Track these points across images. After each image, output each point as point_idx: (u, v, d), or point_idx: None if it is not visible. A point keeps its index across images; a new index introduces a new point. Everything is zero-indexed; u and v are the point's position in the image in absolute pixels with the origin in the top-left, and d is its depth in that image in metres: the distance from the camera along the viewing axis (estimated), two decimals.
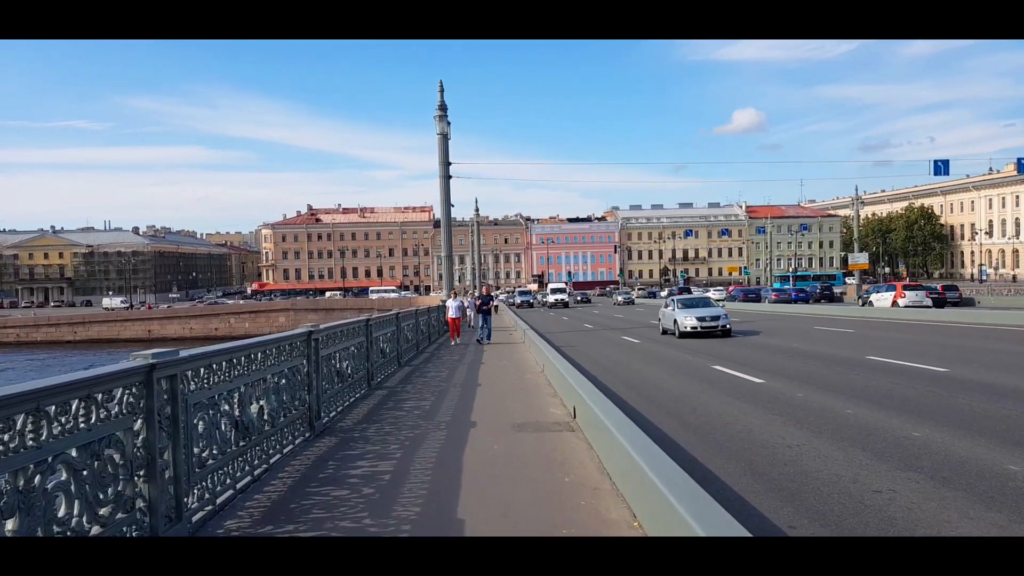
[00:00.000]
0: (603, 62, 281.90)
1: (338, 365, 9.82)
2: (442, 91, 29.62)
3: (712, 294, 70.84)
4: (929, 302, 36.84)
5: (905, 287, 39.64)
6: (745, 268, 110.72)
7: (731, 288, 76.97)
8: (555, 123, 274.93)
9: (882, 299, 38.94)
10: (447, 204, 30.43)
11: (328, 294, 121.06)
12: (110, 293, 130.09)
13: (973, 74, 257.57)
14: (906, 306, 35.97)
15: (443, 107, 29.52)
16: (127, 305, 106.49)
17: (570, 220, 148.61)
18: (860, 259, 67.96)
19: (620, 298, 72.30)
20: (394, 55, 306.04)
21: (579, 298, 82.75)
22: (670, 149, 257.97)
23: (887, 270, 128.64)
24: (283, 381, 7.27)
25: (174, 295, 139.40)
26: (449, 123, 30.02)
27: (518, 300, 73.62)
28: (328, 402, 9.15)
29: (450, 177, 30.36)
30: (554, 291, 72.64)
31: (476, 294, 28.11)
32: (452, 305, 22.81)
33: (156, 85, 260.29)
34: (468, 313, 27.10)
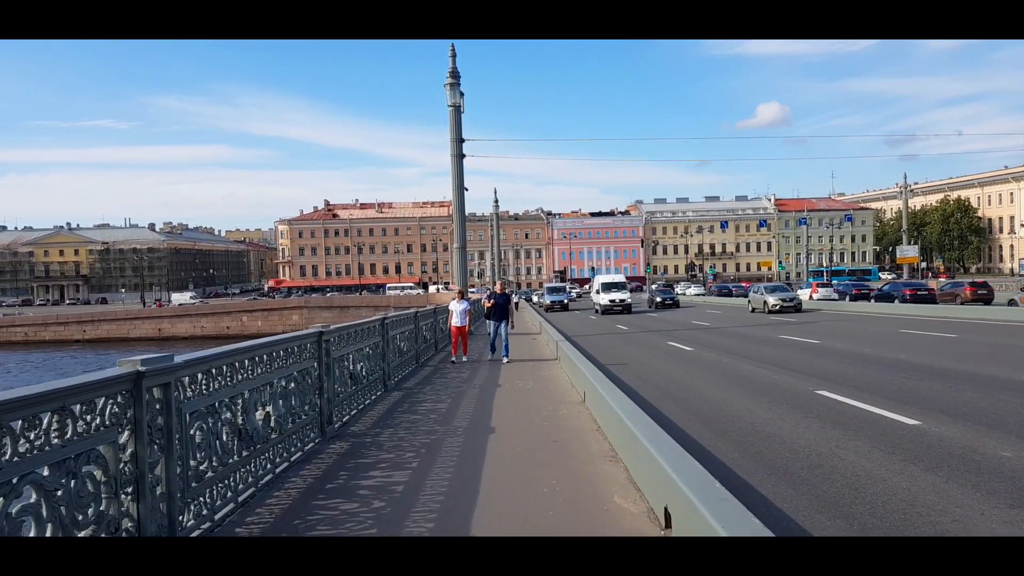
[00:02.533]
0: (625, 58, 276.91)
1: (257, 415, 5.65)
2: (454, 56, 25.40)
3: (693, 289, 78.19)
4: (835, 296, 48.70)
5: (820, 285, 53.13)
6: (781, 263, 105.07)
7: (710, 284, 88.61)
8: (575, 119, 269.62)
9: (803, 294, 51.28)
10: (460, 187, 26.19)
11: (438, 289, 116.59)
12: (189, 287, 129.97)
13: (1000, 66, 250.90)
14: (819, 299, 47.13)
15: (455, 74, 25.29)
16: (198, 300, 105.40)
17: (592, 214, 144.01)
18: (910, 252, 62.84)
19: (772, 299, 37.34)
20: (415, 52, 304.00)
21: (661, 298, 49.70)
22: (693, 144, 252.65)
23: (923, 264, 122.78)
24: None
25: (189, 292, 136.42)
26: (462, 94, 25.78)
27: (547, 300, 53.48)
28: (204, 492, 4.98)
29: (463, 156, 26.11)
30: (607, 287, 45.04)
31: (487, 293, 21.50)
32: (457, 309, 16.43)
33: (181, 84, 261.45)
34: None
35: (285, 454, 6.65)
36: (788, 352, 17.64)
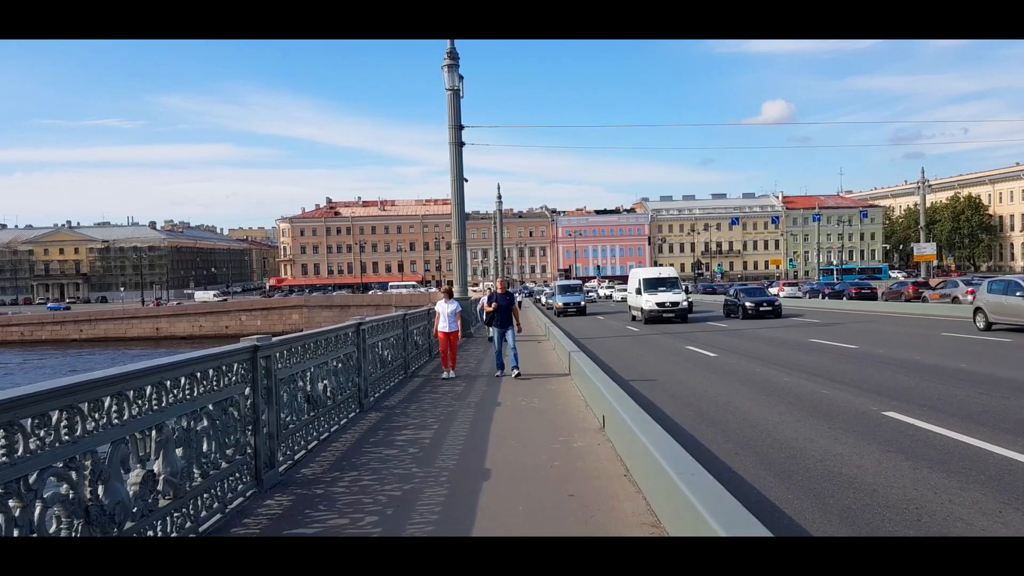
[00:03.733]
0: (630, 56, 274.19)
1: (130, 479, 3.69)
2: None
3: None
4: (800, 294, 56.48)
5: (786, 284, 63.32)
6: (792, 261, 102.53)
7: (718, 282, 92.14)
8: (580, 118, 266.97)
9: (772, 291, 55.95)
10: (459, 177, 24.16)
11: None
12: (190, 284, 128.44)
13: (1007, 64, 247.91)
14: (784, 297, 52.95)
15: (453, 55, 23.28)
16: (222, 298, 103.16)
17: (597, 212, 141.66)
18: (927, 250, 60.29)
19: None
20: (421, 50, 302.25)
21: (753, 302, 32.84)
22: (697, 139, 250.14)
23: (936, 263, 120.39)
24: None
25: (189, 291, 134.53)
26: (461, 77, 23.77)
27: (559, 302, 42.37)
28: None
29: (463, 144, 24.10)
30: (652, 284, 32.47)
31: (487, 294, 17.34)
32: (445, 311, 13.52)
33: (188, 83, 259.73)
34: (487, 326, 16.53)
35: (188, 523, 4.67)
36: (826, 359, 15.57)
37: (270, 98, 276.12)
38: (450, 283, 15.07)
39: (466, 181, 24.39)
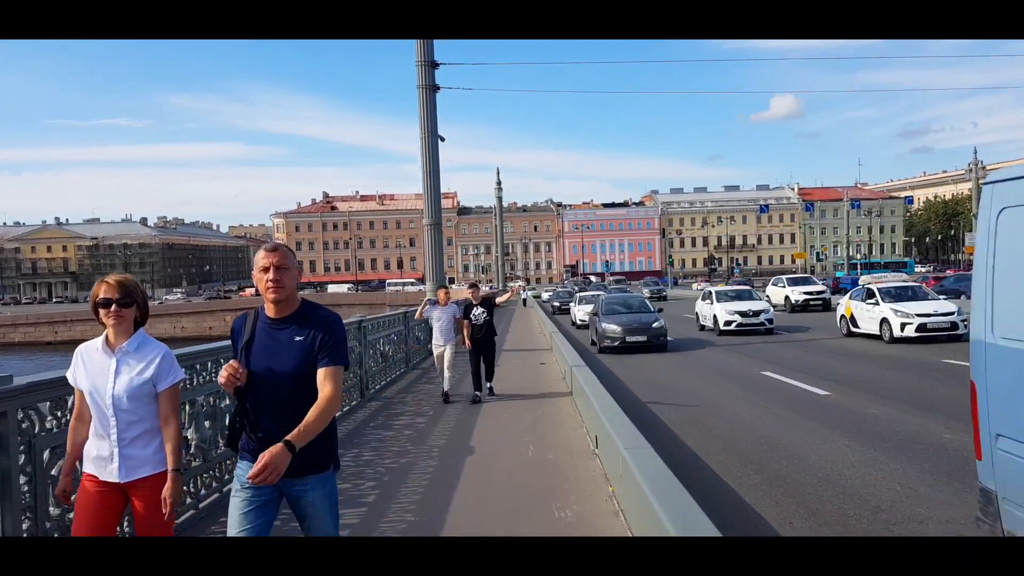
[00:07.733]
0: (637, 52, 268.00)
1: None
2: None
3: (646, 291, 61.53)
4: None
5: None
6: (819, 255, 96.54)
7: (735, 277, 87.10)
8: (587, 114, 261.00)
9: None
10: (433, 133, 17.92)
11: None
12: (184, 283, 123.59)
13: (1018, 58, 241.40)
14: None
15: None
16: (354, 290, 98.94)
17: (605, 205, 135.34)
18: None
19: None
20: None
21: None
22: (706, 138, 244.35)
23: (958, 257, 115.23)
24: None
25: (180, 289, 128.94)
26: None
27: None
28: None
29: (437, 88, 17.91)
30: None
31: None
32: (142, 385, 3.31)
33: (196, 82, 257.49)
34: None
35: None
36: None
37: (278, 96, 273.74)
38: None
39: (442, 140, 18.20)
